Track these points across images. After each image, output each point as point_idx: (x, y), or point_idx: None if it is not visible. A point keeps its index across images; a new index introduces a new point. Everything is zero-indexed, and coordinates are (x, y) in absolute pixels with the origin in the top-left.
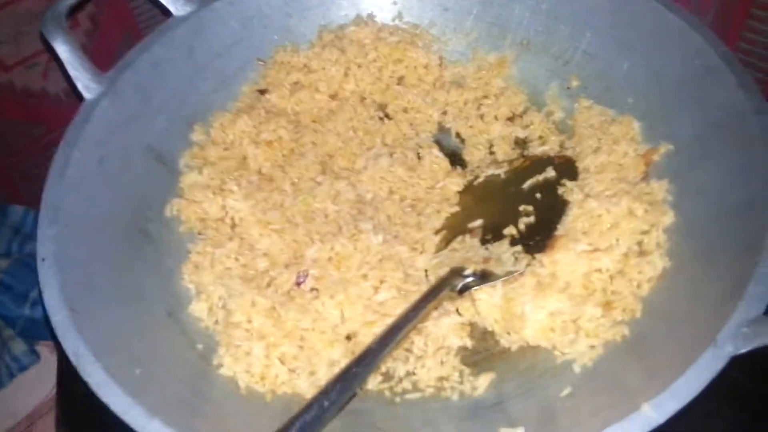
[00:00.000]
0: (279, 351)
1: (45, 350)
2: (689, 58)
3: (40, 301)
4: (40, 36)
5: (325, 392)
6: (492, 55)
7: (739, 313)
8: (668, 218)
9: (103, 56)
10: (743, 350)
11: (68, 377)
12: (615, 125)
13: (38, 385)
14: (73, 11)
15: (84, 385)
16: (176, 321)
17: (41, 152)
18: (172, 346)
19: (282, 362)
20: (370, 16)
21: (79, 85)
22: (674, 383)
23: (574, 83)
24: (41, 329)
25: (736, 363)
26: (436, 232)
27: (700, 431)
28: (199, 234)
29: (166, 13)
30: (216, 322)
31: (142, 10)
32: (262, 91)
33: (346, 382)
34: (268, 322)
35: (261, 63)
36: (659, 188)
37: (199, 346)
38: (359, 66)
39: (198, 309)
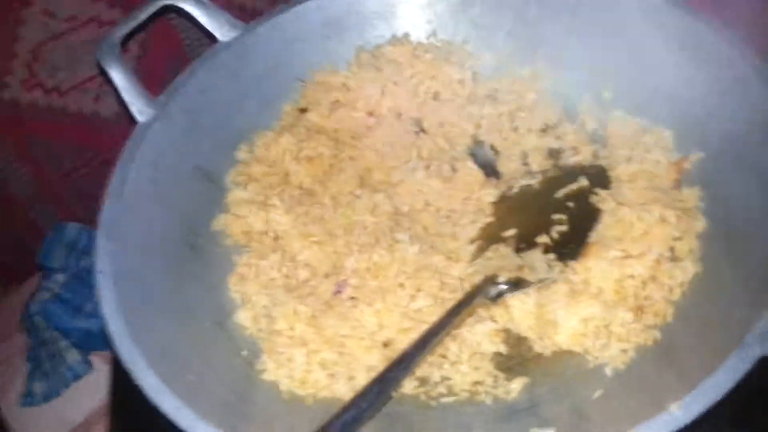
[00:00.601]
0: (319, 357)
1: (98, 360)
2: (720, 68)
3: (94, 314)
4: (96, 63)
5: (362, 394)
6: (524, 69)
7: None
8: (700, 225)
9: (151, 79)
10: None
11: (120, 386)
12: (647, 135)
13: (92, 393)
14: (127, 40)
15: (136, 393)
16: (223, 329)
17: (93, 172)
18: (220, 353)
19: (322, 367)
20: (406, 35)
21: (133, 110)
22: (702, 384)
23: (606, 95)
24: (95, 340)
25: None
26: (471, 242)
27: None
28: (244, 247)
29: (211, 38)
30: (260, 329)
31: (188, 34)
32: (303, 110)
33: (383, 385)
34: (309, 330)
35: (301, 83)
36: (691, 195)
37: (244, 353)
38: (395, 83)
39: (243, 317)
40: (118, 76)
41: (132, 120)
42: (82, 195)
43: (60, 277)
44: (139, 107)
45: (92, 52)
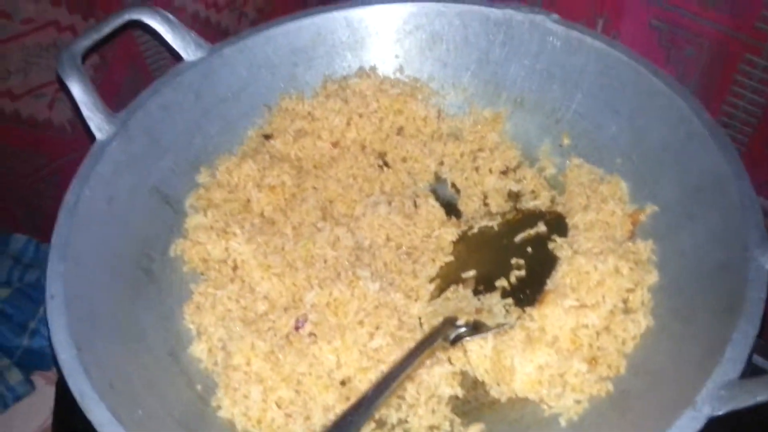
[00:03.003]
0: (276, 395)
1: (40, 380)
2: (673, 123)
3: (38, 332)
4: (56, 74)
5: None
6: (488, 111)
7: (717, 376)
8: (652, 277)
9: (109, 90)
10: (720, 412)
11: (64, 410)
12: (604, 184)
13: (33, 415)
14: (89, 52)
15: (81, 419)
16: (176, 361)
17: (42, 181)
18: (172, 386)
19: (279, 406)
20: (373, 68)
21: (92, 126)
22: None
23: (566, 141)
24: (38, 359)
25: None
26: (431, 281)
27: None
28: (202, 275)
29: (177, 57)
30: (215, 363)
31: (149, 46)
32: (267, 137)
33: (342, 429)
34: (266, 366)
35: (267, 109)
36: (644, 248)
37: (198, 387)
38: (361, 116)
39: (198, 350)
40: (77, 90)
41: (87, 130)
42: (29, 205)
43: (3, 292)
44: (98, 123)
45: (49, 57)
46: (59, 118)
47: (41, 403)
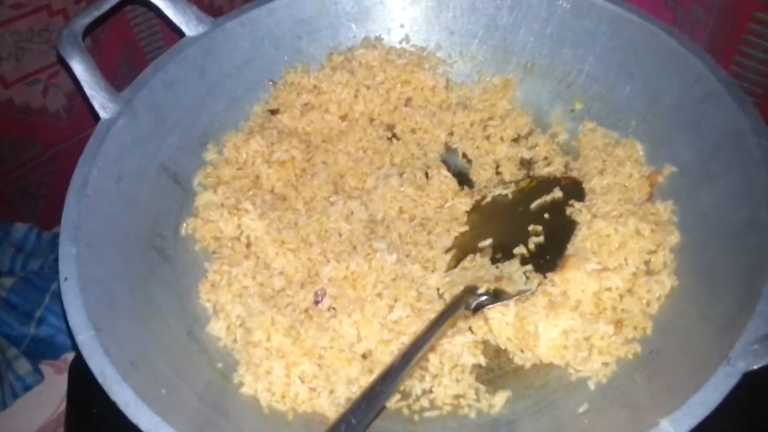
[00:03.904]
0: (299, 370)
1: (49, 370)
2: (689, 83)
3: (45, 320)
4: (56, 54)
5: (352, 410)
6: (497, 78)
7: (750, 331)
8: (674, 238)
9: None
10: (755, 366)
11: (79, 395)
12: (619, 147)
13: (43, 405)
14: (89, 30)
15: (98, 404)
16: (195, 340)
17: (38, 169)
18: (193, 365)
19: (302, 381)
20: (378, 38)
21: (96, 104)
22: (690, 399)
23: (578, 106)
24: (46, 348)
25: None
26: (447, 251)
27: None
28: (214, 253)
29: (179, 33)
30: (234, 341)
31: (142, 28)
32: (274, 111)
33: (372, 401)
34: (287, 341)
35: (271, 84)
36: (664, 209)
37: (219, 365)
38: (368, 88)
39: (216, 328)
40: (79, 68)
41: (82, 115)
42: (26, 193)
43: (7, 281)
44: (101, 102)
45: (42, 42)
46: (54, 105)
47: (51, 392)
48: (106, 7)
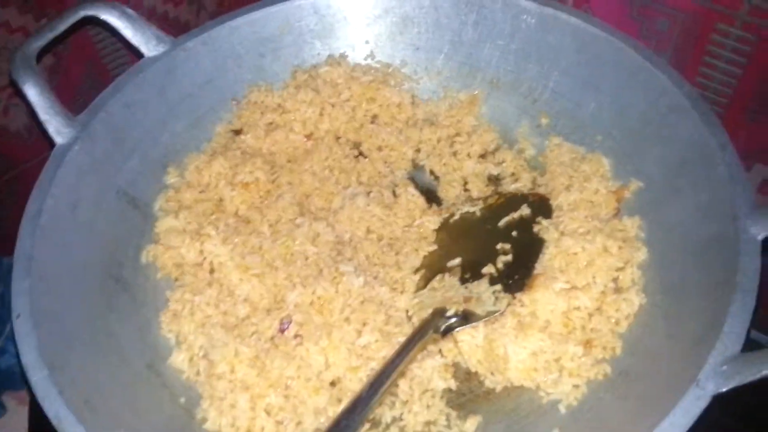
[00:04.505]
0: (265, 402)
1: (11, 401)
2: (654, 97)
3: (6, 349)
4: (8, 77)
5: None
6: (463, 94)
7: (718, 351)
8: (641, 254)
9: (67, 92)
10: (724, 389)
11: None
12: (585, 162)
13: None
14: (42, 53)
15: None
16: (156, 373)
17: (3, 188)
18: (154, 401)
19: (268, 414)
20: (343, 55)
21: (50, 130)
22: (661, 424)
23: (544, 121)
24: (8, 379)
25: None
26: (415, 272)
27: None
28: (176, 280)
29: (136, 54)
30: (197, 373)
31: (105, 44)
32: (237, 132)
33: None
34: (252, 372)
35: (235, 103)
36: (631, 225)
37: (182, 400)
38: (333, 105)
39: (178, 360)
40: (33, 93)
41: (45, 134)
42: None
43: None
44: (56, 126)
45: (1, 60)
46: (15, 125)
47: (14, 423)
48: (60, 28)
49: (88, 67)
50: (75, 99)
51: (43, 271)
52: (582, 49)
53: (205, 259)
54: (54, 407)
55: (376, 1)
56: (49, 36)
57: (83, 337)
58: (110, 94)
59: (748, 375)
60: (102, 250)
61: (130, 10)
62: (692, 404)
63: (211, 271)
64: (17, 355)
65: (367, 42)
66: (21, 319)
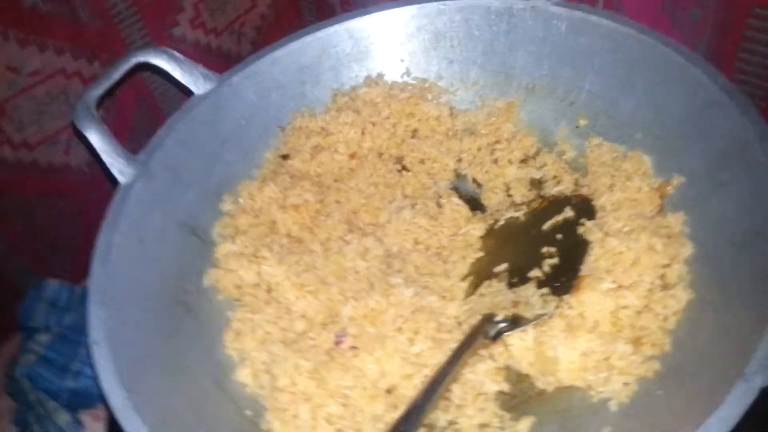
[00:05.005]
0: (325, 411)
1: (88, 418)
2: (691, 92)
3: (81, 372)
4: (71, 124)
5: None
6: (500, 101)
7: (765, 345)
8: (687, 250)
9: (121, 126)
10: None
11: None
12: (626, 161)
13: None
14: (102, 100)
15: None
16: (222, 389)
17: (67, 224)
18: (222, 415)
19: (329, 423)
20: (380, 75)
21: (114, 171)
22: (709, 419)
23: (582, 122)
24: (84, 399)
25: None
26: (463, 279)
27: None
28: (237, 301)
29: (187, 93)
30: (261, 386)
31: (154, 78)
32: (285, 156)
33: None
34: (312, 384)
35: (281, 130)
36: (676, 221)
37: (248, 413)
38: (374, 124)
39: (243, 375)
40: (96, 139)
41: (109, 175)
42: (57, 248)
43: (43, 338)
44: (119, 167)
45: (60, 104)
46: (77, 162)
47: None
48: (116, 76)
49: (139, 101)
50: (128, 134)
51: (115, 301)
52: (615, 49)
53: (262, 279)
54: (135, 428)
55: (408, 21)
56: (106, 85)
57: (155, 360)
58: (165, 133)
59: None
60: (168, 278)
61: (177, 54)
62: (741, 397)
63: (269, 290)
64: (92, 377)
65: (402, 60)
66: (99, 347)
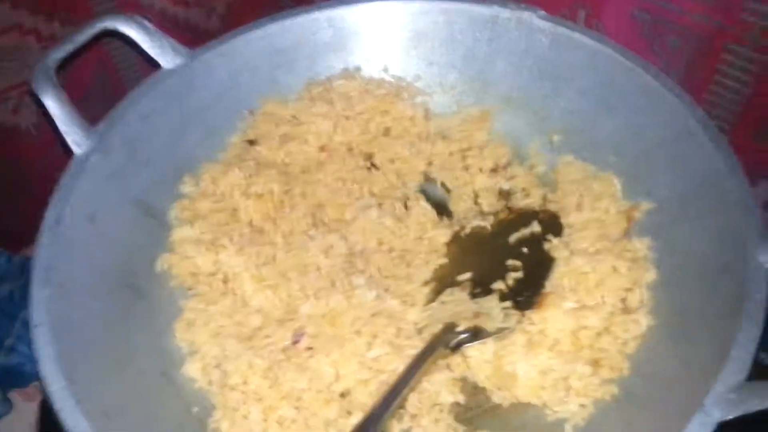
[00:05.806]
0: (277, 414)
1: (18, 398)
2: (668, 121)
3: (14, 348)
4: (27, 86)
5: None
6: (475, 108)
7: (725, 378)
8: (650, 275)
9: (77, 93)
10: (730, 416)
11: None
12: (596, 181)
13: None
14: (63, 65)
15: None
16: (170, 382)
17: (10, 187)
18: (168, 410)
19: (280, 425)
20: (357, 69)
21: (69, 140)
22: None
23: (556, 138)
24: (16, 377)
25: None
26: (425, 284)
27: None
28: (190, 290)
29: (154, 65)
30: (210, 382)
31: (116, 45)
32: (252, 142)
33: None
34: (265, 384)
35: (249, 113)
36: (641, 245)
37: (195, 409)
38: (347, 118)
39: (192, 369)
40: (53, 105)
41: (57, 135)
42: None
43: None
44: (75, 138)
45: (13, 60)
46: (25, 122)
47: (20, 420)
48: (80, 40)
49: (98, 70)
50: (85, 100)
51: (61, 280)
52: (596, 69)
53: (219, 269)
54: (74, 419)
55: (390, 17)
56: (69, 48)
57: (100, 346)
58: (127, 106)
59: (754, 404)
60: (119, 260)
61: (147, 23)
62: (697, 430)
63: (225, 281)
64: (27, 355)
65: (381, 56)
66: (40, 329)
